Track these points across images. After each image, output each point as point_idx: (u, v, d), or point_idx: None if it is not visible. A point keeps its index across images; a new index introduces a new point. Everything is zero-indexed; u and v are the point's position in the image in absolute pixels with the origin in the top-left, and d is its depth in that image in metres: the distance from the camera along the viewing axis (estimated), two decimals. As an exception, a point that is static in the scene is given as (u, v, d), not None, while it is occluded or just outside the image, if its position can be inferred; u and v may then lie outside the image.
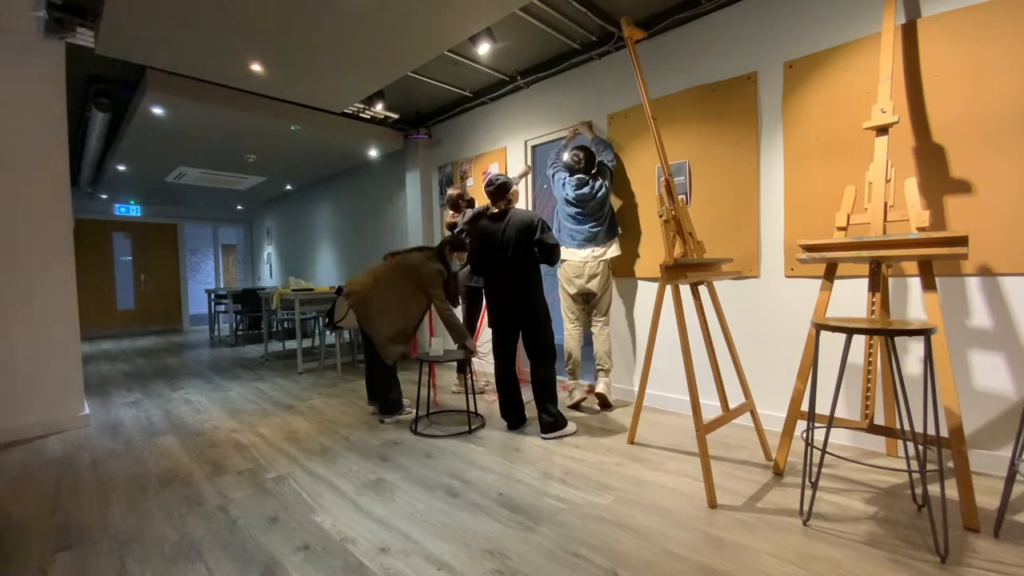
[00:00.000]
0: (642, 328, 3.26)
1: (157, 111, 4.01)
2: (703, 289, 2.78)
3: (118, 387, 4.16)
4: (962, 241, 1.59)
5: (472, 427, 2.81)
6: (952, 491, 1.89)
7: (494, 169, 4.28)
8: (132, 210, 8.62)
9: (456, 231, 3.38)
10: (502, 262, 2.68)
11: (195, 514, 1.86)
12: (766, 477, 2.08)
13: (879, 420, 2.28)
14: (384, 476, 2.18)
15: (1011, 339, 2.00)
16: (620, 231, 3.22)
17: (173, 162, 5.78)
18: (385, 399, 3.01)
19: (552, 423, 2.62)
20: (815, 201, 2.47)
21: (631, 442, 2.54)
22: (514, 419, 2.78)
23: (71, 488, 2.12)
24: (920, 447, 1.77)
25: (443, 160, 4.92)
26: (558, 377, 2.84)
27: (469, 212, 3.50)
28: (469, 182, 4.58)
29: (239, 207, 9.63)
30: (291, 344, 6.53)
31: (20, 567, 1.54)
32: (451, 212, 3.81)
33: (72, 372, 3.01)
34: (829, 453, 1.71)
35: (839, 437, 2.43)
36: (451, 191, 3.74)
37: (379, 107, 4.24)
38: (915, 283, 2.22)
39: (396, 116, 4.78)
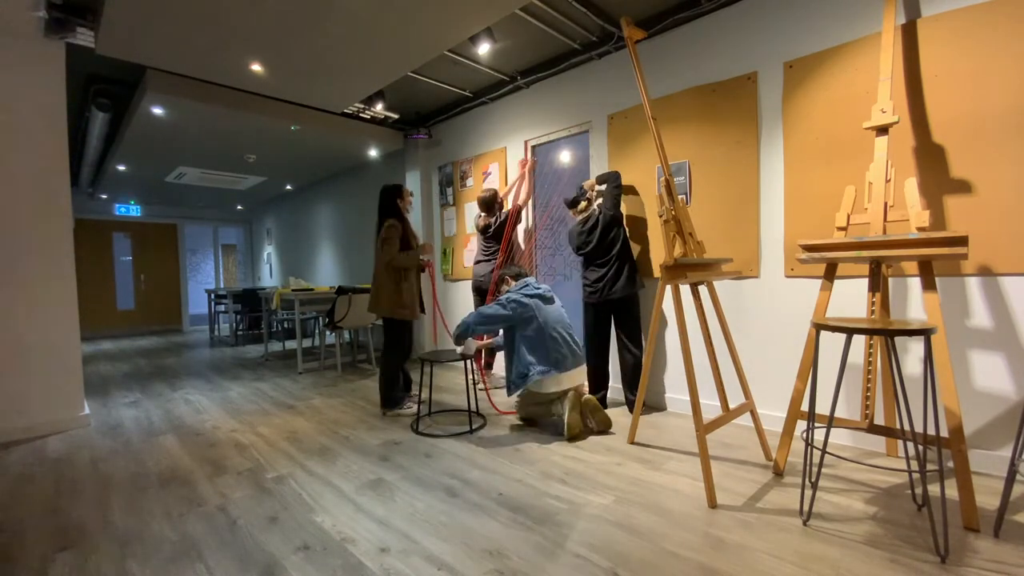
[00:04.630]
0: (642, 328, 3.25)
1: (157, 111, 4.01)
2: (703, 289, 2.78)
3: (118, 387, 4.16)
4: (962, 241, 1.59)
5: (472, 427, 2.82)
6: (952, 491, 1.89)
7: (494, 169, 4.28)
8: (132, 210, 8.62)
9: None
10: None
11: (195, 514, 1.86)
12: (766, 477, 2.08)
13: (879, 420, 2.28)
14: (384, 476, 2.18)
15: (1011, 339, 2.00)
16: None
17: (173, 162, 5.78)
18: (385, 393, 3.16)
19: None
20: (815, 201, 2.47)
21: (631, 442, 2.54)
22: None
23: (71, 488, 2.12)
24: (920, 447, 1.77)
25: (443, 160, 4.92)
26: None
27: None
28: (469, 182, 4.58)
29: (239, 207, 9.63)
30: (291, 344, 6.53)
31: (20, 567, 1.54)
32: (483, 214, 3.83)
33: (72, 372, 3.01)
34: (829, 453, 1.71)
35: (839, 437, 2.43)
36: (483, 193, 3.78)
37: (379, 107, 4.24)
38: (915, 283, 2.22)
39: (396, 116, 4.77)
